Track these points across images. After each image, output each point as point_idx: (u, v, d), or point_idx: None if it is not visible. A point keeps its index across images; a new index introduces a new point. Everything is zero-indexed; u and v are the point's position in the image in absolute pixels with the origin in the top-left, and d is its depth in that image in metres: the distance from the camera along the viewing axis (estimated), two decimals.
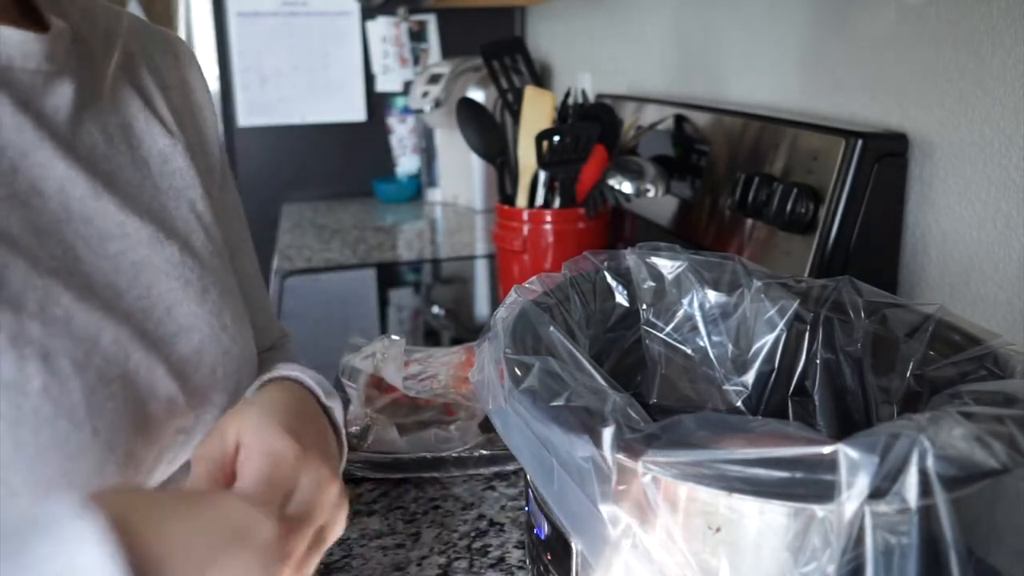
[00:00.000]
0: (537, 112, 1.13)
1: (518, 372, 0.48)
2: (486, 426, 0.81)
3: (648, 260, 0.65)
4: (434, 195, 2.13)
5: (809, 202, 0.85)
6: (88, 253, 0.49)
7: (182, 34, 2.08)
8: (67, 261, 0.47)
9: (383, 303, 1.48)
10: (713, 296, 0.64)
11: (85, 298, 0.47)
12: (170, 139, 0.58)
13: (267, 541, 0.39)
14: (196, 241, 0.57)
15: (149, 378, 0.48)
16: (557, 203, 1.13)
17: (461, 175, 2.04)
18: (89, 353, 0.45)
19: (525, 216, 1.13)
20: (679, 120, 1.18)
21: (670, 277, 0.64)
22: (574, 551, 0.49)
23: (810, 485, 0.37)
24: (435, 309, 1.44)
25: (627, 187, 1.09)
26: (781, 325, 0.62)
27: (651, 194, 1.10)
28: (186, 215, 0.57)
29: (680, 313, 0.65)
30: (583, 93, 1.21)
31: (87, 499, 0.35)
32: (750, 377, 0.63)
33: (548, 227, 1.13)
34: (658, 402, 0.66)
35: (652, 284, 0.64)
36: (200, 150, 0.64)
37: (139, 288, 0.51)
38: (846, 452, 0.36)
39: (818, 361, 0.60)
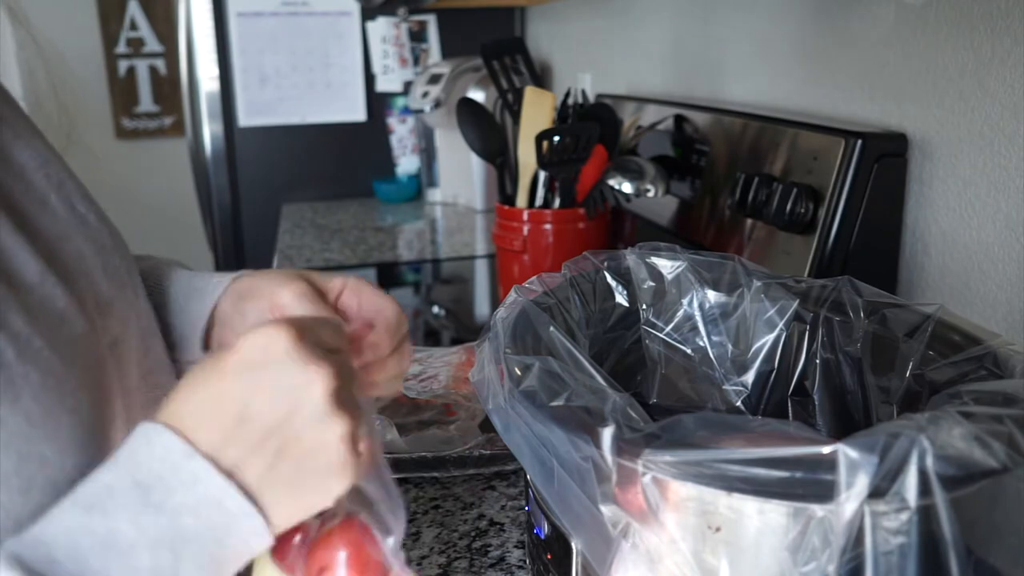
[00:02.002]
0: (537, 112, 1.13)
1: (518, 372, 0.48)
2: (486, 426, 0.81)
3: (648, 260, 0.65)
4: (434, 195, 2.13)
5: (809, 202, 0.85)
6: None
7: (182, 34, 2.08)
8: None
9: None
10: (713, 296, 0.64)
11: None
12: None
13: (285, 349, 0.41)
14: (21, 147, 0.51)
15: (73, 308, 0.46)
16: (557, 203, 1.13)
17: (461, 175, 2.04)
18: (26, 302, 0.43)
19: (525, 216, 1.13)
20: (679, 120, 1.18)
21: (670, 277, 0.64)
22: (574, 551, 0.49)
23: (810, 485, 0.37)
24: (435, 309, 1.44)
25: (627, 187, 1.09)
26: (781, 325, 0.62)
27: (651, 194, 1.10)
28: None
29: (680, 313, 0.65)
30: (583, 93, 1.21)
31: (160, 431, 0.40)
32: (750, 377, 0.63)
33: (548, 227, 1.13)
34: (658, 402, 0.66)
35: (652, 284, 0.65)
36: None
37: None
38: (846, 452, 0.36)
39: (818, 361, 0.60)
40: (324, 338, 0.44)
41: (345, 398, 0.43)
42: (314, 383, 0.41)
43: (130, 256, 0.56)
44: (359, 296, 0.57)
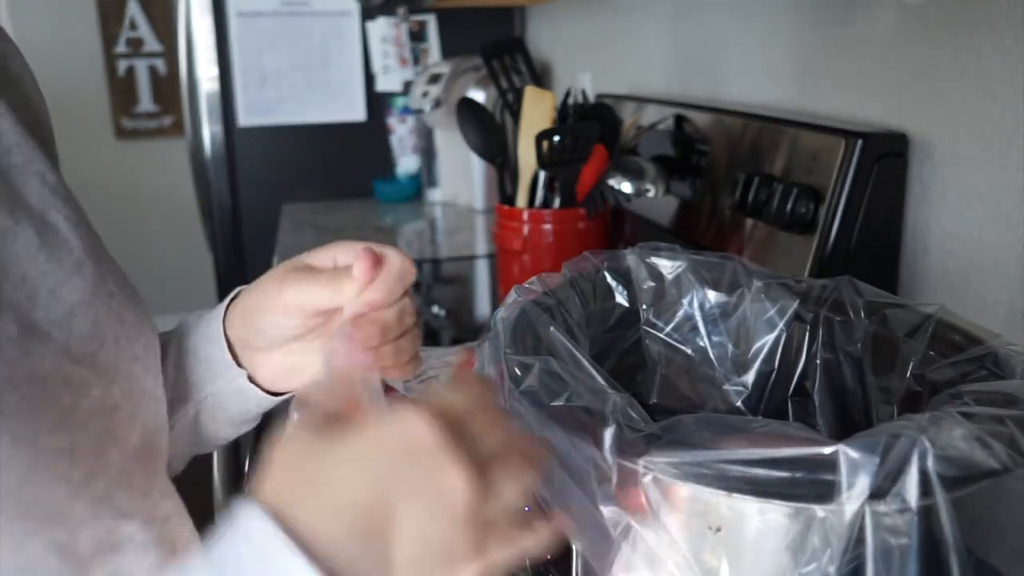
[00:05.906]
0: (537, 112, 1.13)
1: (518, 372, 0.48)
2: None
3: (648, 260, 0.65)
4: (434, 195, 2.12)
5: (809, 202, 0.85)
6: None
7: (182, 34, 2.08)
8: None
9: None
10: (713, 296, 0.64)
11: None
12: None
13: (436, 442, 0.36)
14: (55, 215, 0.52)
15: (55, 368, 0.46)
16: (557, 203, 1.13)
17: (461, 175, 2.03)
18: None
19: (525, 216, 1.13)
20: (679, 120, 1.18)
21: (670, 277, 0.64)
22: (574, 551, 0.49)
23: (810, 485, 0.37)
24: (435, 309, 1.44)
25: (627, 187, 1.09)
26: (781, 325, 0.61)
27: (651, 194, 1.10)
28: (38, 190, 0.52)
29: (680, 313, 0.65)
30: (583, 93, 1.21)
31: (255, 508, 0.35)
32: (750, 377, 0.63)
33: (548, 227, 1.13)
34: (658, 402, 0.66)
35: (652, 284, 0.64)
36: (33, 121, 0.59)
37: (13, 278, 0.47)
38: (847, 452, 0.36)
39: (818, 361, 0.60)
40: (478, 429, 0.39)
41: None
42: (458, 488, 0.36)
43: (151, 327, 0.57)
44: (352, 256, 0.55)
